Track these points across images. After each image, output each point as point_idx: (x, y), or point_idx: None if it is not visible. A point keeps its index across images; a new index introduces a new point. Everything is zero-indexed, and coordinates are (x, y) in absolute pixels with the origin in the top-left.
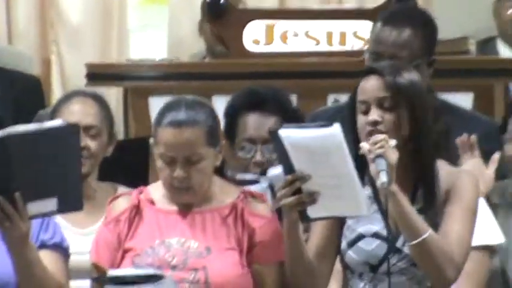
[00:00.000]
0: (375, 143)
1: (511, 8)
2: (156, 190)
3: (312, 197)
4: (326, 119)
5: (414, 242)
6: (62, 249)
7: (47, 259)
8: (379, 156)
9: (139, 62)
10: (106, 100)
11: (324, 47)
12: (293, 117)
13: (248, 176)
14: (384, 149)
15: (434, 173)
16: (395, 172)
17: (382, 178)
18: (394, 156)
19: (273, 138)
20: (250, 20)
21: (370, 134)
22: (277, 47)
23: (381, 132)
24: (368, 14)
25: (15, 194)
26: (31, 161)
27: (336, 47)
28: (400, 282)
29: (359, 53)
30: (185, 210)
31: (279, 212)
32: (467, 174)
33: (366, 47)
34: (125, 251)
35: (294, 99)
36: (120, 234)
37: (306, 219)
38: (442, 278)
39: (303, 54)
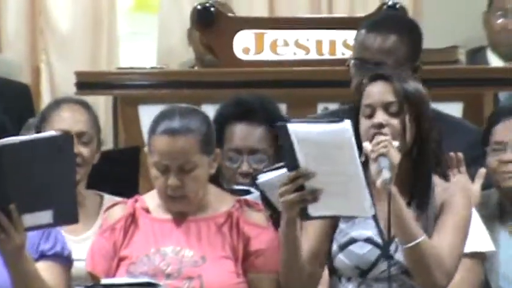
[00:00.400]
0: (378, 143)
1: (501, 18)
2: (151, 199)
3: (315, 195)
4: None
5: (408, 245)
6: (63, 259)
7: (46, 270)
8: (381, 155)
9: (128, 71)
10: (93, 107)
11: (313, 56)
12: None
13: (239, 187)
14: (387, 149)
15: (430, 182)
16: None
17: (385, 175)
18: (397, 156)
19: (280, 132)
20: (240, 29)
21: (374, 137)
22: (267, 55)
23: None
24: (358, 23)
25: (10, 205)
26: (26, 172)
27: (326, 56)
28: None
29: None
30: (180, 218)
31: (274, 220)
32: (459, 187)
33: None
34: (120, 259)
35: (283, 108)
36: (116, 242)
37: (305, 216)
38: (432, 284)
39: (293, 63)
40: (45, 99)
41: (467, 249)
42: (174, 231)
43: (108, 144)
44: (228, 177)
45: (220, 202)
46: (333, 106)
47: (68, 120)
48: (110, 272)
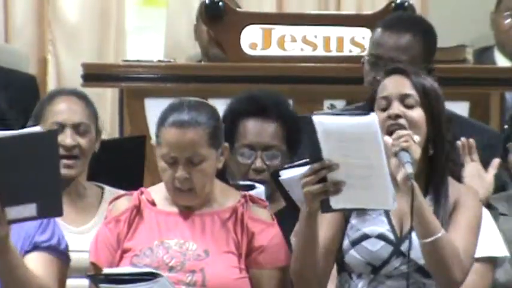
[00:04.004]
0: (399, 137)
1: (509, 18)
2: (157, 192)
3: (337, 187)
4: None
5: (427, 240)
6: (58, 252)
7: (37, 261)
8: (402, 149)
9: (135, 63)
10: (88, 96)
11: (321, 53)
12: (293, 124)
13: (244, 182)
14: (409, 143)
15: (445, 178)
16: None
17: (408, 169)
18: (418, 151)
19: (305, 123)
20: (247, 24)
21: (389, 129)
22: (274, 51)
23: (401, 127)
24: (366, 20)
25: None
26: (9, 167)
27: (333, 53)
28: (400, 286)
29: (356, 59)
30: (185, 212)
31: (279, 217)
32: (471, 189)
33: (364, 53)
34: (124, 251)
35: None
36: (120, 234)
37: (327, 209)
38: (450, 279)
39: (300, 59)
40: None
41: (480, 253)
42: (178, 224)
43: (114, 136)
44: (240, 173)
45: (226, 197)
46: (339, 103)
47: (63, 111)
48: (113, 264)
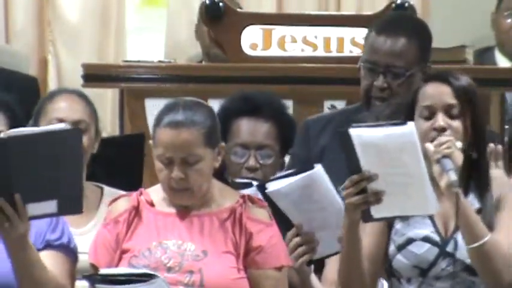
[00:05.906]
0: (441, 144)
1: (509, 18)
2: (156, 192)
3: (377, 197)
4: (320, 127)
5: (475, 245)
6: (68, 251)
7: (51, 259)
8: (445, 156)
9: (135, 64)
10: (89, 97)
11: (321, 53)
12: (286, 124)
13: (241, 180)
14: (451, 150)
15: (489, 177)
16: None
17: (452, 177)
18: (460, 157)
19: (342, 137)
20: (248, 25)
21: (434, 138)
22: (274, 51)
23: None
24: (366, 20)
25: (15, 195)
26: (32, 163)
27: (333, 53)
28: (450, 287)
29: (356, 59)
30: (184, 212)
31: (277, 217)
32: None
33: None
34: (123, 252)
35: (290, 104)
36: (119, 235)
37: (368, 218)
38: (498, 281)
39: (300, 60)
40: None
41: None
42: (176, 225)
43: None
44: (233, 172)
45: (224, 197)
46: (339, 103)
47: (63, 109)
48: (112, 265)
